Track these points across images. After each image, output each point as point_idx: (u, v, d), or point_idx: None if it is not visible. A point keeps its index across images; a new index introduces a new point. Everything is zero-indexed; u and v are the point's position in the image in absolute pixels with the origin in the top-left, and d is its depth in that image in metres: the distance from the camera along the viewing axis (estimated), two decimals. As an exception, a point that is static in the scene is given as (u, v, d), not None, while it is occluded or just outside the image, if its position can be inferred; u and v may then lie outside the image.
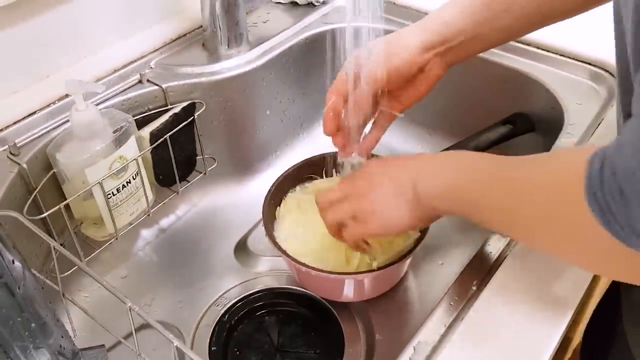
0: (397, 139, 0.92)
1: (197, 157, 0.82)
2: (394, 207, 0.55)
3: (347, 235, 0.60)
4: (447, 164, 0.53)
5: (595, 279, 0.56)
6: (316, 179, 0.77)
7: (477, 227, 0.52)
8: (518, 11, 0.60)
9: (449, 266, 0.76)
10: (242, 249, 0.81)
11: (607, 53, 0.77)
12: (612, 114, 0.71)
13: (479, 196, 0.49)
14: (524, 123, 0.79)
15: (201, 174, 0.82)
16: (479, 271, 0.54)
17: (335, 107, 0.61)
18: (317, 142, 0.96)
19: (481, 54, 0.67)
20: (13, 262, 0.47)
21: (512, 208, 0.46)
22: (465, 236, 0.79)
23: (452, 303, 0.51)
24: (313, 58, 0.90)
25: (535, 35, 0.78)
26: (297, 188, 0.77)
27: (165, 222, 0.83)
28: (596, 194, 0.37)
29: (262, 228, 0.83)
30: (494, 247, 0.57)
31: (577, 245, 0.43)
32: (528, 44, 0.81)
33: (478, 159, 0.52)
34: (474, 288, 0.53)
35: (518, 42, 0.81)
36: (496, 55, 0.82)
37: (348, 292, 0.69)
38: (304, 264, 0.65)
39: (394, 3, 0.91)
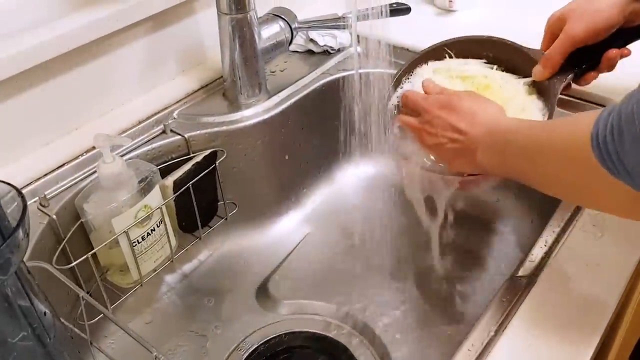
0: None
1: (219, 203, 0.84)
2: (451, 158, 0.66)
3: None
4: (501, 141, 0.60)
5: (618, 316, 0.56)
6: None
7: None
8: None
9: (472, 308, 0.77)
10: (263, 292, 0.82)
11: (610, 91, 0.78)
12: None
13: (520, 167, 0.58)
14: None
15: (222, 219, 0.84)
16: (498, 315, 0.55)
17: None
18: (335, 185, 0.98)
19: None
20: (45, 314, 0.49)
21: (538, 166, 0.55)
22: (482, 284, 0.80)
23: (469, 349, 0.52)
24: (330, 103, 0.93)
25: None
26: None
27: (187, 267, 0.85)
28: (597, 135, 0.44)
29: (282, 271, 0.85)
30: (512, 292, 0.58)
31: (583, 184, 0.50)
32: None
33: (518, 133, 0.58)
34: (492, 333, 0.53)
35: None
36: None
37: None
38: None
39: (407, 49, 0.94)
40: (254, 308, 0.81)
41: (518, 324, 0.54)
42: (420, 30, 0.98)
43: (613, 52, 0.68)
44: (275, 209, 0.92)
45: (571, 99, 0.81)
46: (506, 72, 0.76)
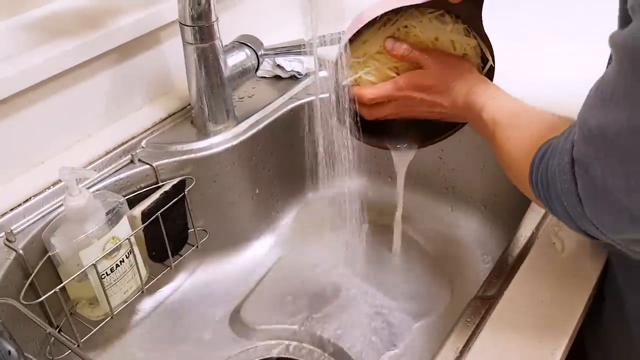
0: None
1: (189, 231, 0.84)
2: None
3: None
4: (478, 119, 0.63)
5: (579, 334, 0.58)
6: None
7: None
8: None
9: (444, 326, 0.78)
10: (236, 319, 0.82)
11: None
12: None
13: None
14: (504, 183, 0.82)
15: (193, 247, 0.84)
16: (462, 337, 0.56)
17: None
18: (306, 208, 0.98)
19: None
20: (9, 352, 0.49)
21: (499, 155, 0.59)
22: (451, 302, 0.81)
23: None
24: (298, 127, 0.94)
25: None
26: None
27: (159, 295, 0.85)
28: (532, 176, 0.50)
29: (254, 296, 0.85)
30: (475, 312, 0.59)
31: (519, 183, 0.56)
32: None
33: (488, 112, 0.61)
34: (458, 354, 0.54)
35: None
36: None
37: None
38: None
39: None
40: (228, 335, 0.80)
41: (481, 345, 0.55)
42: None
43: None
44: (247, 233, 0.93)
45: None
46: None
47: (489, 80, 0.67)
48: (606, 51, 0.58)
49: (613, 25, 0.54)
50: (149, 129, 0.85)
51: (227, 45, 0.87)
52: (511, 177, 0.58)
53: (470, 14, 0.67)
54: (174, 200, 0.78)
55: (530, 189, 0.51)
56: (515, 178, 0.56)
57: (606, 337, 0.66)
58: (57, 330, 0.70)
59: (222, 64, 0.83)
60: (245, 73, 0.90)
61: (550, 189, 0.48)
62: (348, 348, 0.77)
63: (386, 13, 0.67)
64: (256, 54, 0.90)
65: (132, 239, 0.73)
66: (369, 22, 0.67)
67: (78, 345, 0.70)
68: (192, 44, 0.79)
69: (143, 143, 0.83)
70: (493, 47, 0.68)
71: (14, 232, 0.69)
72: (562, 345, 0.54)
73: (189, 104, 0.88)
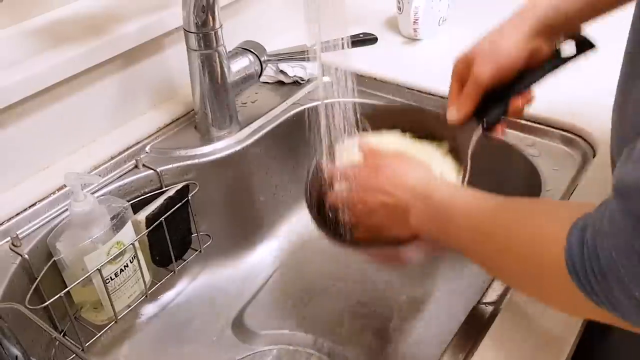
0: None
1: (193, 235, 0.85)
2: (385, 222, 0.61)
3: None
4: (434, 212, 0.57)
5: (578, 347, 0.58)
6: None
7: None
8: None
9: (440, 334, 0.78)
10: (239, 324, 0.83)
11: (580, 119, 0.81)
12: (587, 178, 0.74)
13: (465, 245, 0.54)
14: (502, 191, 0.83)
15: (197, 252, 0.85)
16: (463, 344, 0.57)
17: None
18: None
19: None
20: (16, 357, 0.49)
21: (492, 261, 0.52)
22: (448, 312, 0.81)
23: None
24: (301, 133, 0.93)
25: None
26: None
27: (163, 300, 0.85)
28: (576, 273, 0.41)
29: (257, 301, 0.86)
30: (477, 320, 0.59)
31: (549, 294, 0.48)
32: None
33: (468, 208, 0.54)
34: (460, 361, 0.55)
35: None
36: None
37: None
38: None
39: (375, 78, 0.96)
40: (231, 340, 0.81)
41: (483, 353, 0.55)
42: (387, 59, 1.01)
43: (519, 100, 0.65)
44: (250, 239, 0.93)
45: (520, 121, 0.83)
46: (421, 138, 0.72)
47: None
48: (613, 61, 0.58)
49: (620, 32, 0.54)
50: (153, 134, 0.86)
51: (230, 51, 0.88)
52: (523, 282, 0.50)
53: (463, 148, 0.67)
54: (178, 205, 0.78)
55: (572, 287, 0.42)
56: (533, 282, 0.48)
57: (616, 346, 0.66)
58: (61, 335, 0.71)
59: (225, 70, 0.83)
60: (248, 79, 0.90)
61: (609, 277, 0.39)
62: (350, 353, 0.78)
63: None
64: (259, 59, 0.91)
65: (136, 244, 0.73)
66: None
67: (82, 349, 0.71)
68: (196, 50, 0.80)
69: (147, 148, 0.84)
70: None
71: (20, 236, 0.69)
72: (564, 353, 0.54)
73: (193, 110, 0.88)
